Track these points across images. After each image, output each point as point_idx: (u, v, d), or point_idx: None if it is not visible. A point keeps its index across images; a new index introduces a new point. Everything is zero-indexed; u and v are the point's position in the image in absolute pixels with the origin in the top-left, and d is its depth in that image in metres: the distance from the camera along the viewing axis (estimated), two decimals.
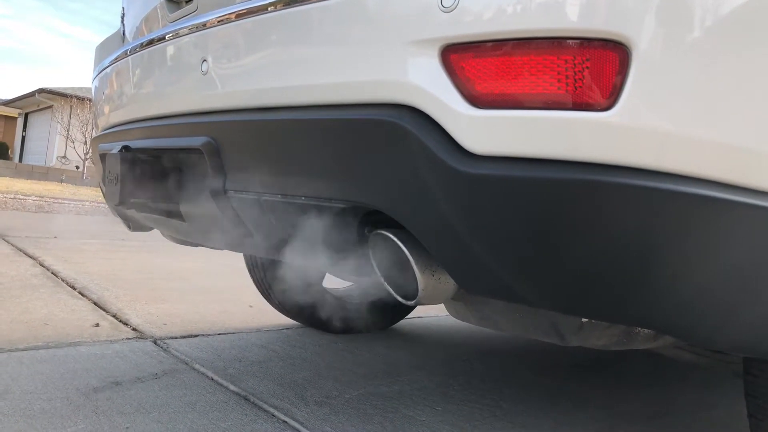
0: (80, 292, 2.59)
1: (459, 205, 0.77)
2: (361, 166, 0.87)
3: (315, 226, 1.00)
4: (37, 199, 8.98)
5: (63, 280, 2.82)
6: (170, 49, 1.26)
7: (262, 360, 1.87)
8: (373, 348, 2.17)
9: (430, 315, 2.83)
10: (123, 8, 1.64)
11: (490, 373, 1.99)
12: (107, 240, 4.61)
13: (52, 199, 9.25)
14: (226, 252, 1.70)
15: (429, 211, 0.81)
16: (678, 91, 0.69)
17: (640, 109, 0.68)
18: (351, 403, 1.56)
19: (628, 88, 0.67)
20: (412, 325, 2.64)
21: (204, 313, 2.43)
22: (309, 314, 2.27)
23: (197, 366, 1.74)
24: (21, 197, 8.87)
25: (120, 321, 2.19)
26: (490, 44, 0.72)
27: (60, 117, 21.56)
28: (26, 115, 26.58)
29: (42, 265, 3.18)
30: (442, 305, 1.15)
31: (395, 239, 0.90)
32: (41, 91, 22.54)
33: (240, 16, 1.03)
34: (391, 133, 0.80)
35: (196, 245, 1.69)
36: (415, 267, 0.88)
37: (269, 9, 0.97)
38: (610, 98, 0.68)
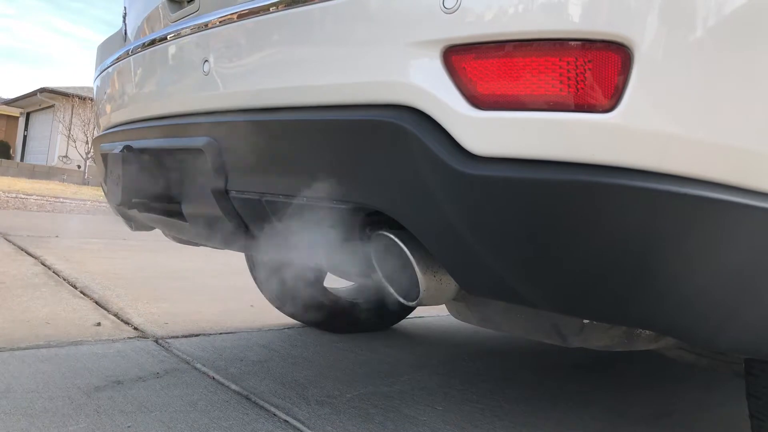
0: (82, 292, 2.60)
1: (460, 206, 0.77)
2: (363, 167, 0.87)
3: (316, 226, 1.00)
4: (39, 198, 8.99)
5: (64, 279, 2.82)
6: (172, 49, 1.26)
7: (263, 359, 1.88)
8: (374, 347, 2.17)
9: (432, 315, 2.84)
10: (125, 8, 1.64)
11: (491, 373, 1.99)
12: (108, 239, 4.62)
13: (53, 199, 9.26)
14: (227, 251, 1.70)
15: (430, 212, 0.81)
16: (680, 93, 0.69)
17: (642, 111, 0.68)
18: (352, 403, 1.56)
19: (630, 89, 0.67)
20: (413, 324, 2.64)
21: (205, 313, 2.44)
22: (310, 314, 2.27)
23: (199, 365, 1.74)
24: (23, 196, 8.88)
25: (121, 320, 2.20)
26: (491, 45, 0.72)
27: (61, 116, 21.59)
28: (28, 115, 26.61)
29: (43, 264, 3.18)
30: (443, 305, 1.15)
31: (397, 240, 0.90)
32: (43, 90, 22.57)
33: (242, 16, 1.03)
34: (392, 134, 0.80)
35: (198, 245, 1.70)
36: (416, 268, 0.88)
37: (271, 9, 0.97)
38: (612, 100, 0.68)
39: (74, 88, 22.76)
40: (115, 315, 2.26)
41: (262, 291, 2.30)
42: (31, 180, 16.22)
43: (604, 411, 1.72)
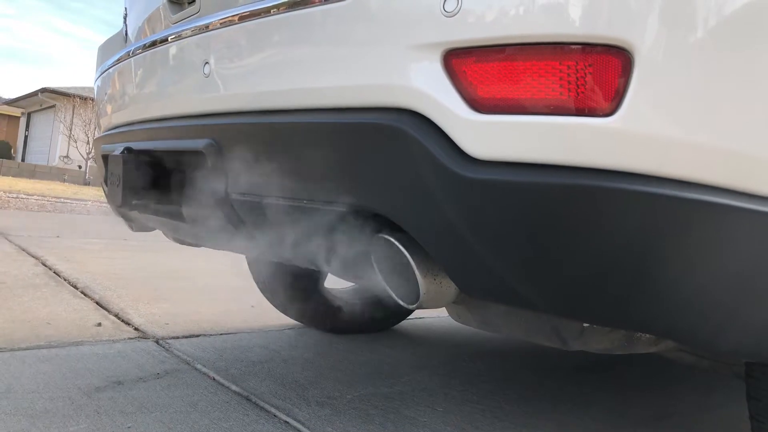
0: (82, 292, 2.60)
1: (460, 210, 0.77)
2: (363, 169, 0.87)
3: (316, 229, 1.00)
4: (40, 198, 9.00)
5: (65, 280, 2.82)
6: (172, 50, 1.26)
7: (263, 360, 1.88)
8: (374, 348, 2.17)
9: (432, 316, 2.84)
10: (125, 8, 1.64)
11: (491, 374, 1.99)
12: (109, 239, 4.62)
13: (54, 199, 9.27)
14: (227, 252, 1.70)
15: (431, 215, 0.81)
16: (680, 97, 0.69)
17: (642, 115, 0.68)
18: (352, 404, 1.56)
19: (630, 93, 0.67)
20: (413, 325, 2.64)
21: (206, 313, 2.44)
22: (311, 314, 2.27)
23: (199, 366, 1.75)
24: (23, 196, 8.89)
25: (122, 321, 2.20)
26: (492, 49, 0.72)
27: (62, 116, 21.60)
28: (29, 115, 26.63)
29: (44, 264, 3.19)
30: (443, 307, 1.15)
31: (397, 243, 0.90)
32: (44, 90, 22.58)
33: (242, 18, 1.03)
34: (393, 137, 0.80)
35: (198, 245, 1.70)
36: (416, 271, 0.88)
37: (272, 11, 0.97)
38: (612, 104, 0.68)
39: (75, 88, 22.78)
40: (116, 315, 2.26)
41: (262, 292, 2.30)
42: (32, 180, 16.24)
43: (604, 412, 1.72)
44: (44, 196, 9.42)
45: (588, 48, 0.67)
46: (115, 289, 2.70)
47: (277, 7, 0.96)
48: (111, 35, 1.74)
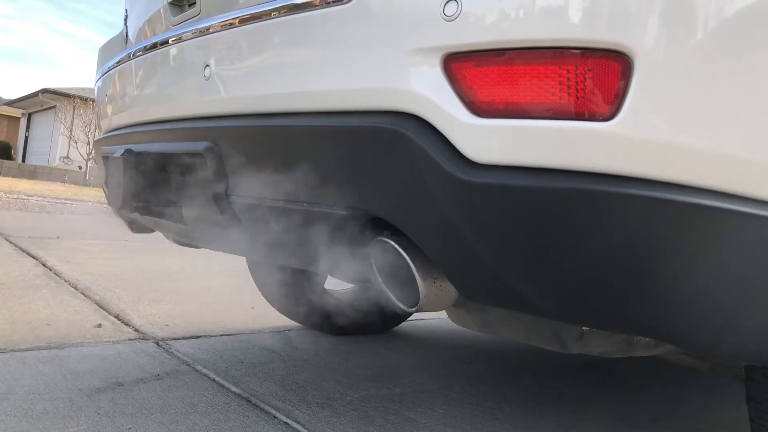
0: (82, 293, 2.60)
1: (460, 214, 0.77)
2: (363, 173, 0.87)
3: (316, 231, 1.00)
4: (40, 199, 9.00)
5: (65, 281, 2.82)
6: (173, 53, 1.26)
7: (263, 361, 1.88)
8: (374, 350, 2.17)
9: (432, 317, 2.84)
10: (126, 10, 1.64)
11: (492, 375, 1.99)
12: (109, 240, 4.62)
13: (54, 200, 9.27)
14: (228, 253, 1.70)
15: (430, 219, 0.81)
16: (680, 101, 0.69)
17: (642, 119, 0.68)
18: (352, 405, 1.56)
19: (630, 97, 0.67)
20: (413, 327, 2.64)
21: (206, 314, 2.44)
22: (310, 316, 2.27)
23: (199, 367, 1.75)
24: (24, 197, 8.89)
25: (122, 322, 2.20)
26: (492, 53, 0.72)
27: (63, 117, 21.61)
28: (29, 116, 26.64)
29: (44, 265, 3.19)
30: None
31: (396, 246, 0.90)
32: (44, 91, 22.59)
33: (243, 21, 1.03)
34: (393, 141, 0.80)
35: (199, 247, 1.70)
36: (416, 274, 0.88)
37: (272, 15, 0.97)
38: (612, 108, 0.68)
39: (76, 89, 22.79)
40: (116, 316, 2.26)
41: (262, 293, 2.30)
42: (32, 181, 16.24)
43: (604, 414, 1.72)
44: (44, 197, 9.43)
45: (587, 52, 0.67)
46: (115, 290, 2.70)
47: (277, 10, 0.97)
48: (112, 36, 1.75)
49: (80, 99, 21.17)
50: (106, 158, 1.52)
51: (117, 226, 2.14)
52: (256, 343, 2.10)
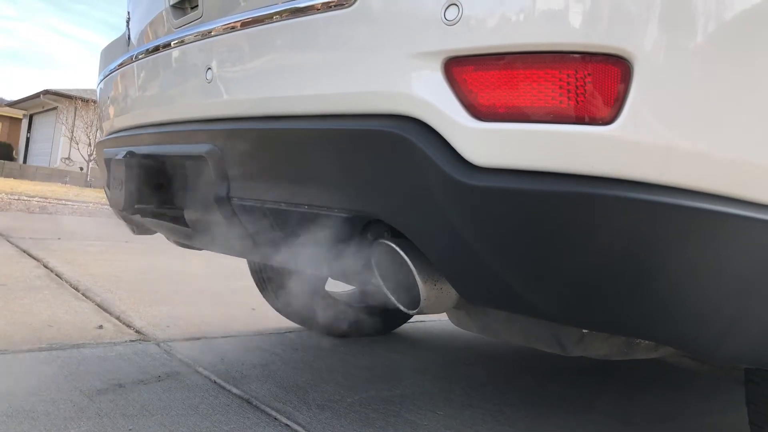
0: (84, 294, 2.61)
1: (461, 216, 0.77)
2: (364, 176, 0.88)
3: (317, 234, 1.01)
4: (41, 200, 9.01)
5: (66, 282, 2.83)
6: (175, 56, 1.27)
7: (264, 363, 1.88)
8: (375, 352, 2.18)
9: (433, 319, 2.84)
10: (128, 12, 1.65)
11: (492, 377, 2.00)
12: (111, 242, 4.63)
13: (55, 201, 9.28)
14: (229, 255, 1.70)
15: (431, 222, 0.81)
16: (680, 105, 0.69)
17: (642, 123, 0.68)
18: (353, 407, 1.56)
19: (630, 102, 0.68)
20: (414, 328, 2.64)
21: (207, 316, 2.44)
22: (311, 318, 2.27)
23: (200, 369, 1.75)
24: (25, 198, 8.90)
25: (123, 323, 2.20)
26: (492, 57, 0.73)
27: (64, 118, 21.63)
28: (31, 117, 26.67)
29: (46, 266, 3.19)
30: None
31: (397, 248, 0.90)
32: (46, 92, 22.62)
33: (245, 24, 1.04)
34: (394, 144, 0.81)
35: (200, 249, 1.70)
36: (417, 276, 0.89)
37: (274, 18, 0.98)
38: (612, 112, 0.68)
39: (77, 90, 22.82)
40: (117, 318, 2.27)
41: (263, 295, 2.31)
42: (33, 182, 16.26)
43: (605, 416, 1.72)
44: (46, 198, 9.44)
45: (587, 57, 0.68)
46: (116, 292, 2.71)
47: (279, 13, 0.97)
48: (114, 39, 1.75)
49: (81, 100, 21.18)
50: (108, 160, 1.52)
51: (118, 228, 2.14)
52: (257, 345, 2.10)
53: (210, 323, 2.33)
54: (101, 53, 1.81)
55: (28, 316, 2.14)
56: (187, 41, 1.22)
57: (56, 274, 2.99)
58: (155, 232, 1.74)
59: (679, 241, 0.71)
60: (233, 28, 1.07)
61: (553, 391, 1.92)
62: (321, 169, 0.94)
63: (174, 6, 1.30)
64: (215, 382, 1.65)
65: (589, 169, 0.69)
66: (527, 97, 0.71)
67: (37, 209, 7.44)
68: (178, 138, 1.26)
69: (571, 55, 0.68)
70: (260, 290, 2.30)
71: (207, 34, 1.14)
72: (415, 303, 0.92)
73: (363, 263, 1.01)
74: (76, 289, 2.69)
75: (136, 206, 1.30)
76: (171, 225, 1.41)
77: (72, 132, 20.92)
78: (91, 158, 19.21)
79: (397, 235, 0.92)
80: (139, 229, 1.73)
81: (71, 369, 1.64)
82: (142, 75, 1.44)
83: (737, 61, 0.72)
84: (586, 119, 0.68)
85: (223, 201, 1.13)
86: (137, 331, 2.11)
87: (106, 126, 1.72)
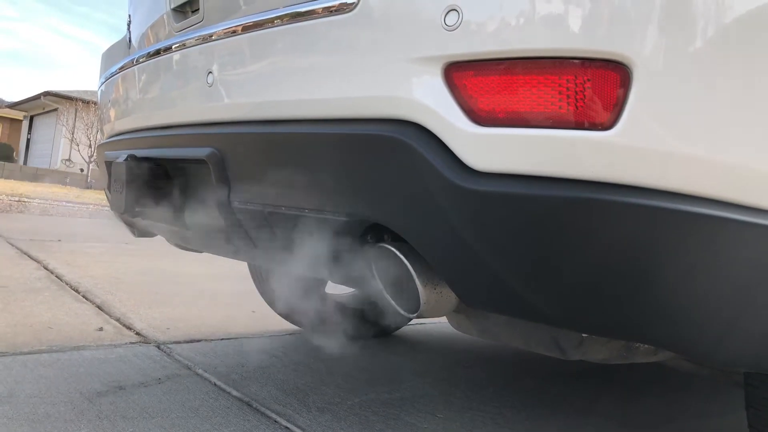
0: (84, 296, 2.61)
1: (461, 221, 0.78)
2: (364, 180, 0.88)
3: (318, 237, 1.01)
4: (42, 201, 9.01)
5: (67, 284, 2.83)
6: (176, 59, 1.27)
7: (264, 365, 1.88)
8: (375, 354, 2.18)
9: (433, 322, 2.84)
10: (129, 16, 1.65)
11: (492, 380, 2.00)
12: (111, 243, 4.63)
13: (56, 202, 9.28)
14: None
15: (431, 226, 0.81)
16: (679, 111, 0.70)
17: (641, 128, 0.68)
18: (353, 410, 1.57)
19: (629, 107, 0.68)
20: (414, 331, 2.65)
21: (207, 318, 2.44)
22: (311, 320, 2.27)
23: (200, 371, 1.75)
24: (25, 200, 8.91)
25: (123, 325, 2.20)
26: (492, 63, 0.73)
27: (65, 120, 21.64)
28: (31, 118, 26.68)
29: (46, 268, 3.20)
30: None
31: (397, 252, 0.90)
32: (46, 93, 22.63)
33: (246, 29, 1.04)
34: (394, 149, 0.81)
35: (200, 251, 1.71)
36: (416, 280, 0.89)
37: (275, 22, 0.98)
38: (611, 117, 0.68)
39: (78, 91, 22.82)
40: (117, 320, 2.27)
41: (263, 297, 2.31)
42: (33, 183, 16.27)
43: (605, 419, 1.72)
44: (46, 200, 9.44)
45: (587, 62, 0.68)
46: (116, 294, 2.71)
47: (280, 18, 0.97)
48: (115, 41, 1.76)
49: (82, 102, 21.20)
50: (108, 163, 1.53)
51: (118, 229, 2.15)
52: (257, 347, 2.10)
53: (210, 325, 2.33)
54: (102, 56, 1.81)
55: (28, 317, 2.14)
56: (188, 45, 1.22)
57: (56, 276, 2.99)
58: (156, 235, 1.74)
59: (678, 246, 0.72)
60: (234, 32, 1.07)
61: (553, 393, 1.93)
62: (321, 173, 0.95)
63: (175, 9, 1.31)
64: (215, 384, 1.65)
65: (589, 174, 0.69)
66: (527, 103, 0.71)
67: (38, 211, 7.44)
68: (179, 141, 1.26)
69: (571, 60, 0.69)
70: (260, 292, 2.31)
71: (208, 38, 1.15)
72: (414, 307, 0.93)
73: (363, 267, 1.01)
74: (77, 291, 2.69)
75: (137, 209, 1.31)
76: (171, 228, 1.41)
77: (72, 133, 20.93)
78: (92, 160, 19.22)
79: (397, 239, 0.92)
80: (140, 232, 1.73)
81: (71, 371, 1.64)
82: (143, 78, 1.44)
83: (736, 67, 0.72)
84: (586, 124, 0.69)
85: (224, 204, 1.14)
86: (137, 333, 2.11)
87: (107, 129, 1.73)
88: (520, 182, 0.72)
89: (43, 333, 1.98)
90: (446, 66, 0.77)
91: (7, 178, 17.22)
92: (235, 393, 1.60)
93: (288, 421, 1.45)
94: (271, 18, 0.99)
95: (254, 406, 1.52)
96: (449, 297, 0.91)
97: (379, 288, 0.98)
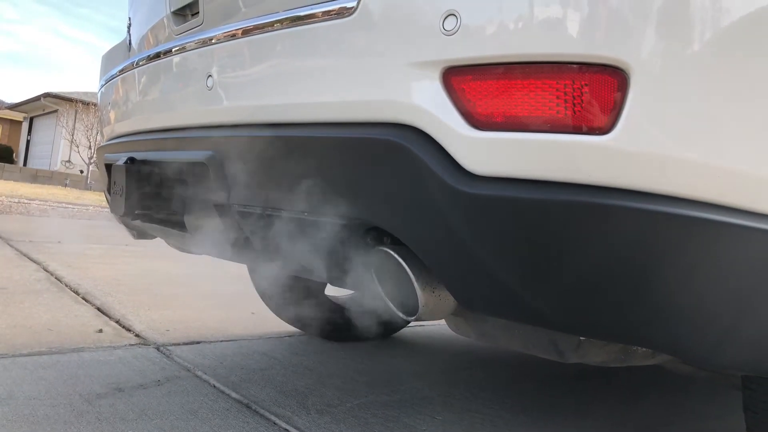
0: (83, 298, 2.61)
1: (459, 225, 0.78)
2: (363, 184, 0.88)
3: (316, 240, 1.01)
4: (42, 203, 9.01)
5: (66, 285, 2.83)
6: (176, 62, 1.28)
7: (264, 367, 1.88)
8: (374, 356, 2.18)
9: (432, 324, 2.84)
10: (129, 18, 1.65)
11: (491, 382, 2.00)
12: (111, 245, 4.63)
13: (56, 204, 9.28)
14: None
15: (429, 230, 0.82)
16: (676, 115, 0.70)
17: (638, 133, 0.69)
18: (352, 412, 1.57)
19: (626, 111, 0.68)
20: (414, 333, 2.65)
21: (206, 320, 2.45)
22: (311, 322, 2.28)
23: (199, 373, 1.75)
24: (25, 201, 8.91)
25: (123, 327, 2.21)
26: (490, 67, 0.73)
27: (65, 121, 21.64)
28: (31, 119, 26.69)
29: (46, 269, 3.20)
30: None
31: (396, 256, 0.91)
32: (47, 95, 22.63)
33: (246, 32, 1.04)
34: (393, 153, 0.81)
35: (200, 254, 1.71)
36: (415, 284, 0.89)
37: (275, 26, 0.99)
38: (609, 122, 0.69)
39: (78, 93, 22.82)
40: (117, 322, 2.27)
41: (262, 299, 2.31)
42: (33, 184, 16.27)
43: (603, 421, 1.72)
44: (46, 201, 9.44)
45: (584, 67, 0.69)
46: (116, 295, 2.71)
47: (280, 21, 0.98)
48: (115, 43, 1.76)
49: (82, 103, 21.20)
50: (108, 165, 1.53)
51: (118, 231, 2.15)
52: (257, 349, 2.10)
53: (209, 327, 2.33)
54: (102, 58, 1.82)
55: (28, 319, 2.15)
56: (187, 48, 1.22)
57: (56, 278, 3.00)
58: (155, 237, 1.74)
59: (676, 250, 0.72)
60: (234, 36, 1.07)
61: (552, 395, 1.93)
62: (320, 177, 0.95)
63: (175, 12, 1.31)
64: (214, 386, 1.66)
65: (587, 178, 0.69)
66: (525, 107, 0.72)
67: (38, 212, 7.44)
68: (178, 144, 1.26)
69: (569, 65, 0.69)
70: (259, 294, 2.31)
71: (207, 42, 1.15)
72: (413, 310, 0.93)
73: (362, 270, 1.01)
74: (76, 293, 2.69)
75: (136, 212, 1.31)
76: (171, 230, 1.41)
77: (72, 135, 20.93)
78: (92, 161, 19.22)
79: (396, 243, 0.93)
80: (140, 234, 1.74)
81: (71, 373, 1.64)
82: (143, 81, 1.44)
83: (734, 71, 0.72)
84: (584, 129, 0.69)
85: (223, 207, 1.14)
86: (137, 335, 2.11)
87: (107, 131, 1.73)
88: (518, 186, 0.72)
89: (43, 335, 1.98)
90: (445, 70, 0.77)
91: (7, 179, 17.22)
92: (234, 395, 1.60)
93: (287, 423, 1.45)
94: (271, 21, 0.99)
95: (253, 408, 1.53)
96: (448, 300, 0.92)
97: (378, 291, 0.98)
